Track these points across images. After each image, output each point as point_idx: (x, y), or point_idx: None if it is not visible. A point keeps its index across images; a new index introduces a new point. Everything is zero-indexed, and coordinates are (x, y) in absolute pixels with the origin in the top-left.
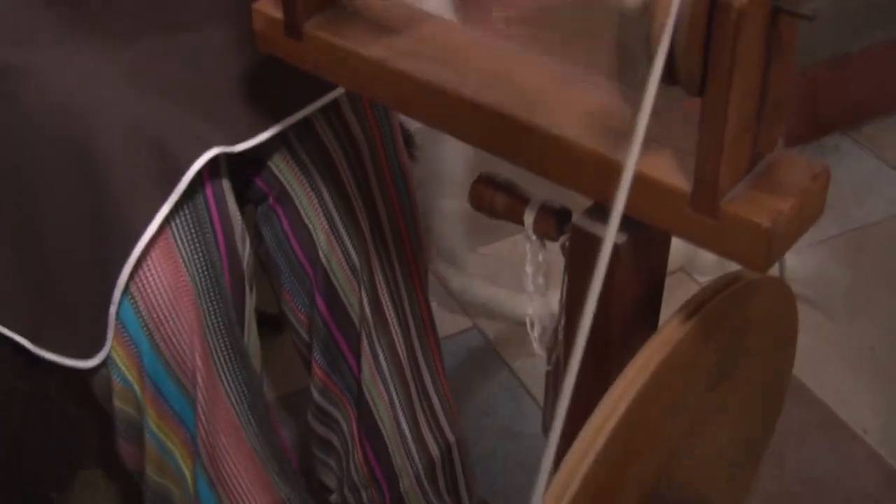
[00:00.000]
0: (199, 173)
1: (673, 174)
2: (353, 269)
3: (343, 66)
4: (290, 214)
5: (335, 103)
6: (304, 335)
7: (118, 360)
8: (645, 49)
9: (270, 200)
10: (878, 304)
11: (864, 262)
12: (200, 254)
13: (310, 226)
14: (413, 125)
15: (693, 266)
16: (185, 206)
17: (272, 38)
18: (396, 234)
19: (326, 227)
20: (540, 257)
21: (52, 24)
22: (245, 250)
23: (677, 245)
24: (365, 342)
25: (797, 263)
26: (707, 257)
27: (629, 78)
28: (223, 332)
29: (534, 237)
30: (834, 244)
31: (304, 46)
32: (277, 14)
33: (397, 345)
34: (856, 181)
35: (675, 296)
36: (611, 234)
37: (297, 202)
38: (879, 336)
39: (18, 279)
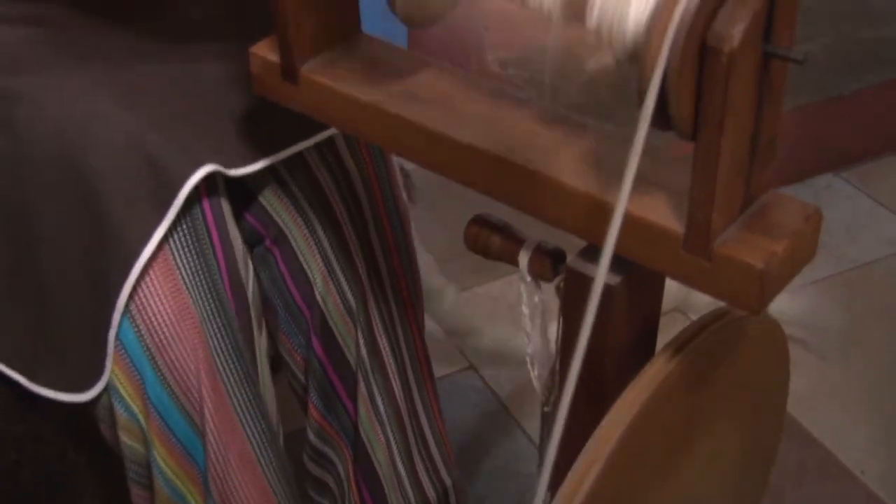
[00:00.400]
0: (197, 191)
1: (665, 215)
2: (349, 309)
3: (338, 109)
4: (286, 256)
5: (329, 139)
6: (301, 376)
7: (121, 389)
8: (637, 92)
9: (267, 242)
10: (873, 344)
11: (858, 303)
12: (201, 273)
13: (307, 267)
14: (410, 164)
15: (688, 306)
16: (183, 224)
17: (268, 81)
18: (392, 274)
19: (323, 267)
20: (536, 298)
21: (48, 51)
22: (249, 275)
23: (672, 285)
24: (361, 383)
25: (790, 304)
26: (702, 297)
27: (624, 117)
28: (231, 356)
29: (529, 278)
30: (827, 284)
31: (299, 90)
32: (274, 57)
33: (394, 386)
34: (849, 221)
35: (669, 335)
36: (601, 275)
37: (293, 244)
38: (876, 377)
39: (13, 310)
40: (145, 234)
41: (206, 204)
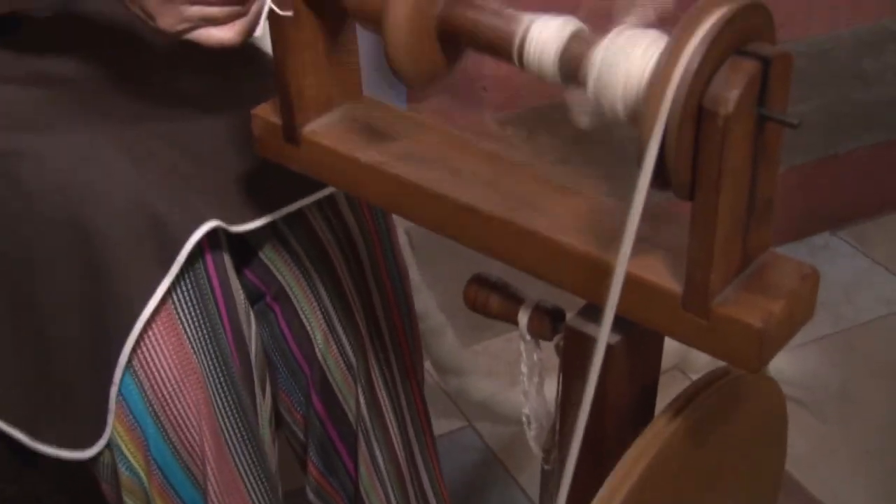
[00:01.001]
0: (200, 247)
1: (664, 275)
2: (349, 367)
3: (339, 170)
4: (287, 313)
5: (330, 195)
6: (300, 434)
7: (123, 446)
8: (635, 152)
9: (267, 299)
10: (871, 403)
11: (857, 362)
12: (204, 328)
13: (307, 324)
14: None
15: (687, 364)
16: (186, 279)
17: (270, 142)
18: (393, 330)
19: (324, 324)
20: (535, 357)
21: (54, 110)
22: (251, 331)
23: (671, 343)
24: (362, 442)
25: (788, 363)
26: (701, 356)
27: (622, 177)
28: (234, 412)
29: (528, 337)
30: (825, 344)
31: (301, 151)
32: (276, 119)
33: (395, 443)
34: (846, 280)
35: (669, 394)
36: (603, 336)
37: (294, 301)
38: (875, 437)
39: (15, 367)
40: (149, 290)
41: (208, 259)
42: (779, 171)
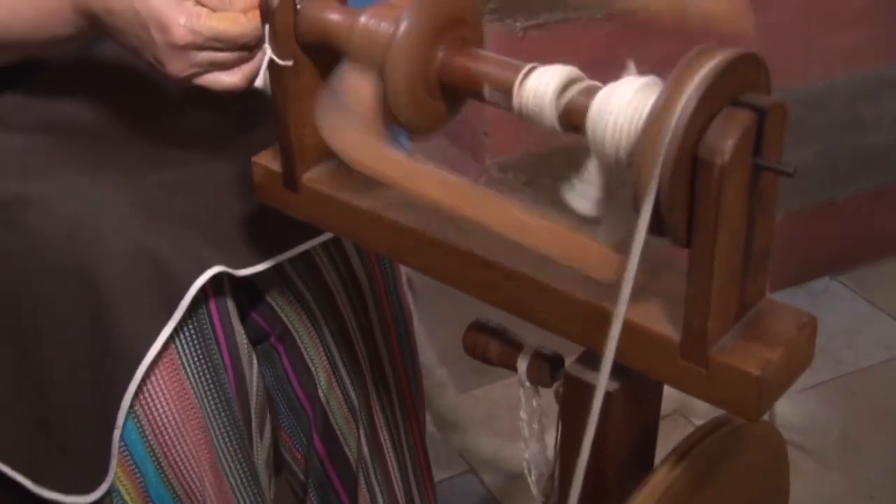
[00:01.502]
0: (203, 292)
1: (662, 323)
2: (351, 408)
3: (340, 217)
4: (291, 353)
5: (336, 238)
6: (300, 475)
7: (123, 490)
8: (632, 200)
9: (272, 339)
10: (873, 450)
11: (858, 408)
12: (207, 373)
13: (311, 365)
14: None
15: (688, 409)
16: (189, 324)
17: (270, 189)
18: (395, 372)
19: (327, 365)
20: (534, 403)
21: (61, 158)
22: (253, 375)
23: (666, 403)
24: (362, 483)
25: (789, 409)
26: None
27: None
28: (236, 456)
29: (528, 384)
30: (826, 389)
31: (301, 198)
32: (275, 167)
33: (395, 485)
34: (847, 325)
35: (670, 438)
36: (602, 384)
37: (298, 341)
38: (877, 482)
39: (18, 411)
40: (152, 334)
41: (212, 304)
42: (777, 217)
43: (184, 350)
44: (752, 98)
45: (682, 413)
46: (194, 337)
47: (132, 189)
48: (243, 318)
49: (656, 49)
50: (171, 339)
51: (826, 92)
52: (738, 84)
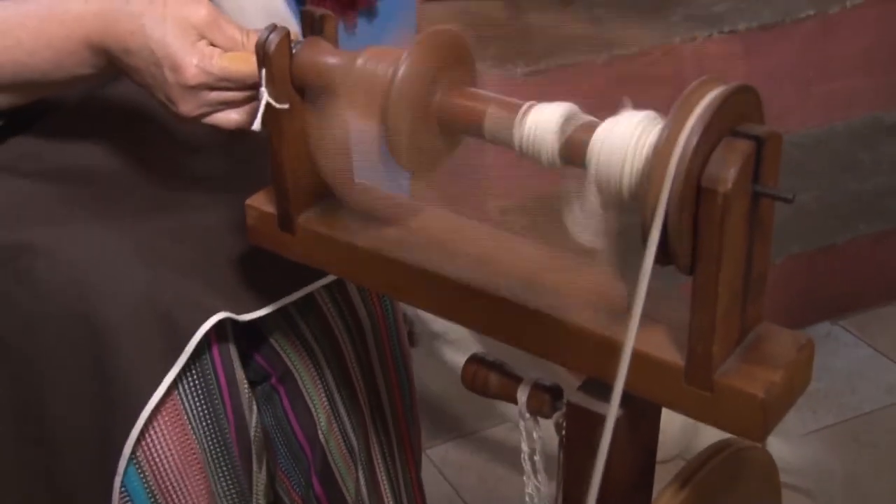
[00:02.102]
0: (207, 338)
1: (666, 349)
2: (350, 450)
3: (337, 257)
4: (292, 394)
5: (340, 281)
6: None
7: None
8: (633, 233)
9: (273, 380)
10: (878, 495)
11: (862, 453)
12: (208, 419)
13: (311, 406)
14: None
15: (690, 453)
16: (192, 371)
17: (265, 231)
18: (395, 413)
19: (328, 406)
20: (535, 435)
21: (68, 204)
22: (252, 419)
23: (674, 432)
24: None
25: (794, 453)
26: (704, 443)
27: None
28: (235, 501)
29: (528, 415)
30: (830, 434)
31: (296, 239)
32: (270, 209)
33: None
34: (849, 369)
35: None
36: (612, 414)
37: (300, 382)
38: None
39: (19, 459)
40: (155, 381)
41: (215, 351)
42: (778, 260)
43: (186, 397)
44: (750, 128)
45: (684, 457)
46: (197, 383)
47: (137, 236)
48: (246, 359)
49: (655, 93)
50: (174, 385)
51: (825, 136)
52: (734, 115)
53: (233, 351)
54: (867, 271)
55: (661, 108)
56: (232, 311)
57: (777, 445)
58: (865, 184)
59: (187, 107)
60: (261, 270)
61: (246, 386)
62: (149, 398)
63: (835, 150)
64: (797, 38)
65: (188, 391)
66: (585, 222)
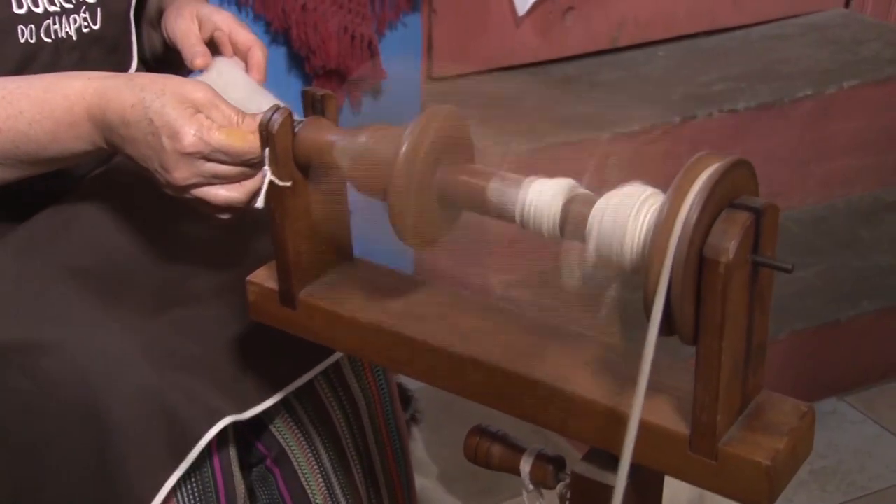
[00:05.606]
0: (209, 444)
1: (671, 418)
2: None
3: (338, 331)
4: (287, 476)
5: (335, 363)
6: None
7: None
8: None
9: (268, 462)
10: None
11: None
12: None
13: (307, 486)
14: (414, 384)
15: None
16: (192, 476)
17: (266, 307)
18: (391, 490)
19: (323, 486)
20: None
21: (76, 300)
22: None
23: (682, 497)
24: None
25: None
26: None
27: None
28: None
29: (531, 487)
30: None
31: (298, 314)
32: (271, 284)
33: None
34: (856, 447)
35: None
36: (620, 486)
37: (295, 464)
38: None
39: None
40: (157, 483)
41: (215, 456)
42: (781, 336)
43: (185, 501)
44: (748, 200)
45: None
46: (196, 489)
47: (142, 332)
48: (247, 445)
49: (657, 170)
50: (173, 491)
51: (825, 213)
52: (732, 188)
53: (232, 454)
54: (871, 348)
55: (659, 184)
56: (236, 410)
57: None
58: (867, 261)
59: (181, 174)
60: (264, 358)
61: (243, 492)
62: (150, 501)
63: (836, 226)
64: (796, 117)
65: (187, 496)
66: (586, 294)
